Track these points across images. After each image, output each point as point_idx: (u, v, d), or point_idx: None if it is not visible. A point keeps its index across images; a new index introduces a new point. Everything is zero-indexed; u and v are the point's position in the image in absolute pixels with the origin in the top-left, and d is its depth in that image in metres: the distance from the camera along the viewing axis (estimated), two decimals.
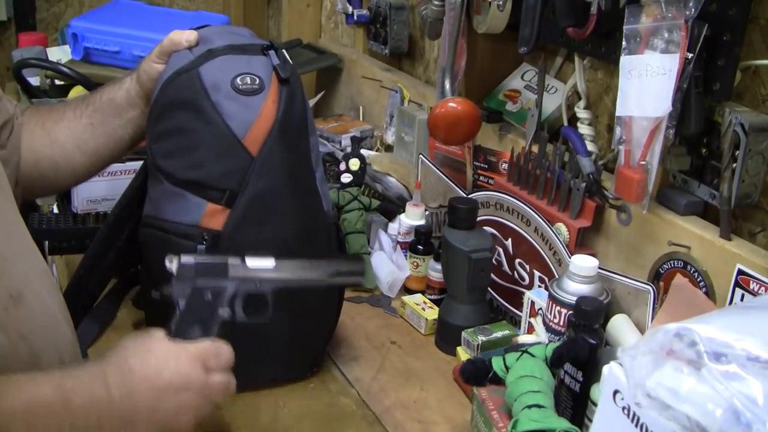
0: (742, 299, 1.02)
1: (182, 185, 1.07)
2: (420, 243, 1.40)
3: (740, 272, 1.02)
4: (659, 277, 1.14)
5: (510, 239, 1.31)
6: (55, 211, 1.51)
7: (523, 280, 1.29)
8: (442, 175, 1.45)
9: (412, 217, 1.44)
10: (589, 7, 1.17)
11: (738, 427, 0.66)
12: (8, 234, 0.94)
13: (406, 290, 1.41)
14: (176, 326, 0.91)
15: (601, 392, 0.82)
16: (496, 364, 1.02)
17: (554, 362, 1.00)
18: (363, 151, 1.59)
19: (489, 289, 1.31)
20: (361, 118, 1.94)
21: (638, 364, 0.74)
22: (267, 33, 2.60)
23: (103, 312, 1.26)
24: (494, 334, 1.22)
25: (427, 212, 1.45)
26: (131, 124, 1.16)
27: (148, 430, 0.85)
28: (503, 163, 1.43)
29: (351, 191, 1.49)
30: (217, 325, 0.94)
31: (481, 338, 1.21)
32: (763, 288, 0.99)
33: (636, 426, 0.75)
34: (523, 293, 1.24)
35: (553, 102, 1.42)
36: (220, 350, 0.91)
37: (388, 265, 1.41)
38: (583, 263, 1.11)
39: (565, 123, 1.39)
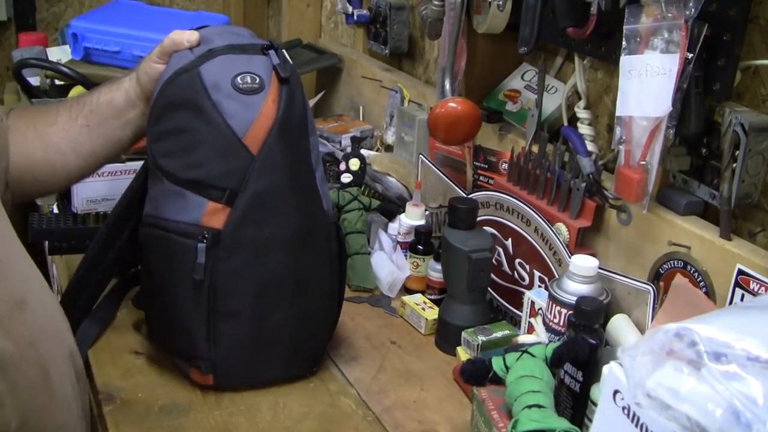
0: (742, 299, 1.02)
1: (183, 184, 1.07)
2: (420, 243, 1.40)
3: (740, 272, 1.02)
4: (659, 277, 1.14)
5: (510, 239, 1.31)
6: (55, 211, 1.51)
7: (523, 280, 1.29)
8: (442, 175, 1.45)
9: (412, 217, 1.44)
10: (589, 7, 1.17)
11: (738, 427, 0.66)
12: (2, 238, 0.92)
13: (406, 290, 1.41)
14: None
15: (601, 392, 0.82)
16: (496, 364, 1.02)
17: (554, 362, 1.00)
18: (363, 151, 1.59)
19: (489, 289, 1.31)
20: (361, 118, 1.94)
21: (638, 364, 0.74)
22: (267, 33, 2.60)
23: (103, 313, 1.25)
24: (494, 334, 1.22)
25: (427, 212, 1.45)
26: (130, 125, 1.16)
27: None
28: (503, 163, 1.43)
29: (351, 191, 1.49)
30: None
31: (481, 338, 1.21)
32: (763, 288, 0.99)
33: (636, 426, 0.75)
34: (523, 293, 1.24)
35: (553, 102, 1.42)
36: None
37: (388, 265, 1.41)
38: (583, 263, 1.11)
39: (565, 123, 1.39)
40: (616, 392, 0.78)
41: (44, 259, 1.47)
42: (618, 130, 1.12)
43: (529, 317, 1.21)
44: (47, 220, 1.42)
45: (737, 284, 1.02)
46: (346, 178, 1.51)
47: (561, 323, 1.11)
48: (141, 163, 1.18)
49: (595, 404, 0.95)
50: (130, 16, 2.07)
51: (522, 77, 1.52)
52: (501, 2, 1.34)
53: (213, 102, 1.04)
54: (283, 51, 1.11)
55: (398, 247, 1.44)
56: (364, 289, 1.41)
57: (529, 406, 0.92)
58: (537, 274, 1.26)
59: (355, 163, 1.52)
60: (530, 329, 1.20)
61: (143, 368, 1.16)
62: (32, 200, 1.50)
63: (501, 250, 1.32)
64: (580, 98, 1.34)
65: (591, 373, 0.96)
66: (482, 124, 1.42)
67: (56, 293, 1.39)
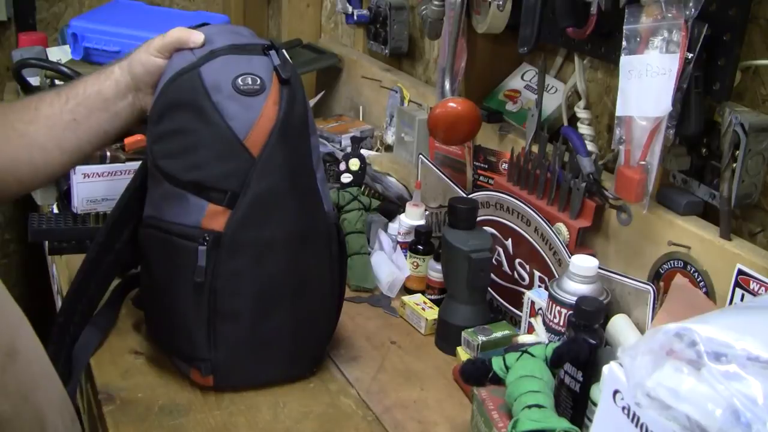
0: (742, 299, 1.02)
1: (183, 186, 1.06)
2: (420, 243, 1.40)
3: (740, 272, 1.02)
4: (659, 277, 1.14)
5: (510, 239, 1.31)
6: (55, 211, 1.50)
7: (523, 280, 1.29)
8: (442, 175, 1.45)
9: (412, 217, 1.44)
10: (589, 7, 1.17)
11: (738, 427, 0.66)
12: None
13: (406, 290, 1.41)
14: None
15: (601, 392, 0.82)
16: (496, 364, 1.02)
17: (554, 362, 1.00)
18: (363, 151, 1.60)
19: (489, 289, 1.31)
20: (361, 118, 1.94)
21: (638, 364, 0.74)
22: (267, 33, 2.60)
23: (103, 320, 1.22)
24: (494, 334, 1.22)
25: (427, 212, 1.45)
26: (118, 117, 1.13)
27: None
28: (503, 163, 1.43)
29: (351, 191, 1.49)
30: None
31: (481, 338, 1.21)
32: (763, 288, 0.99)
33: (636, 426, 0.75)
34: (523, 293, 1.24)
35: (553, 102, 1.42)
36: None
37: (388, 265, 1.41)
38: (583, 263, 1.11)
39: (565, 123, 1.39)
40: (616, 392, 0.78)
41: (44, 259, 1.47)
42: (618, 130, 1.12)
43: (529, 317, 1.21)
44: (47, 220, 1.42)
45: (737, 284, 1.02)
46: (346, 178, 1.51)
47: (561, 323, 1.11)
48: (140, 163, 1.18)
49: (595, 404, 0.95)
50: (130, 16, 2.07)
51: (522, 77, 1.52)
52: (501, 2, 1.34)
53: (213, 103, 1.04)
54: (284, 51, 1.11)
55: (398, 247, 1.44)
56: (364, 289, 1.41)
57: (529, 406, 0.92)
58: (537, 274, 1.26)
59: (355, 163, 1.52)
60: (530, 329, 1.20)
61: (143, 368, 1.16)
62: (11, 200, 1.44)
63: (501, 250, 1.32)
64: (580, 98, 1.34)
65: (591, 373, 0.96)
66: (482, 124, 1.42)
67: (56, 293, 1.38)
